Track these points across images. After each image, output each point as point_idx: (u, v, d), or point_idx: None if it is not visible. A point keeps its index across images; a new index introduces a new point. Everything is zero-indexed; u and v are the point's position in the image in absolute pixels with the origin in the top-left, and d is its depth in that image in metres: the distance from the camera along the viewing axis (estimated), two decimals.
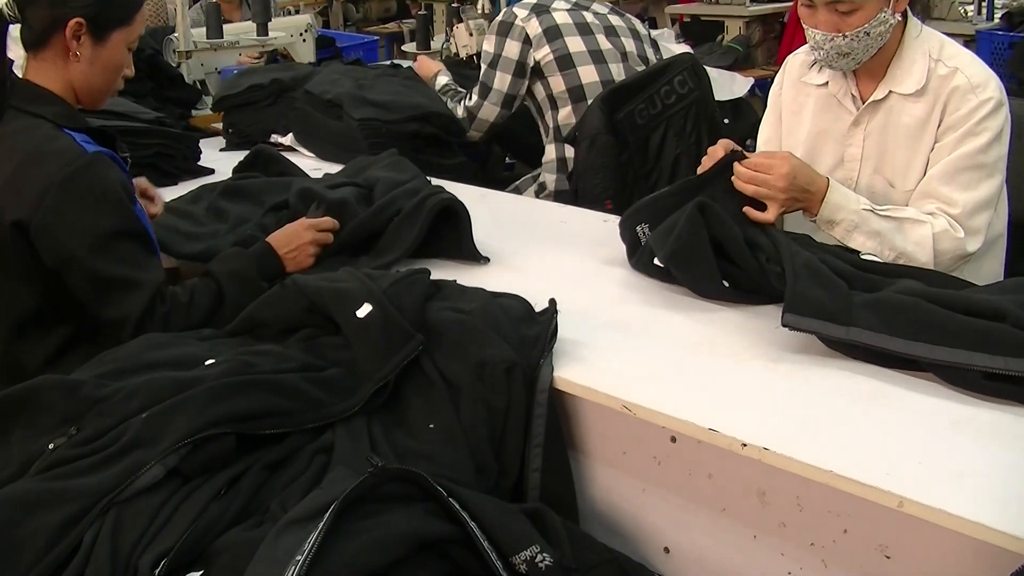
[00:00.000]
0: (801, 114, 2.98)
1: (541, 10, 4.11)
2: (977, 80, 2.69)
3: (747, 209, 2.54)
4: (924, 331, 2.09)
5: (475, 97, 4.24)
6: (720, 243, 2.45)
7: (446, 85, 4.48)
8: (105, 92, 2.70)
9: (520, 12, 4.13)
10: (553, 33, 4.06)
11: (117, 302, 2.50)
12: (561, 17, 4.10)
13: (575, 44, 4.04)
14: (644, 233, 2.64)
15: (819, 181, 2.64)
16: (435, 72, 4.62)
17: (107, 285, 2.50)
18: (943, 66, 2.72)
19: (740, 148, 2.65)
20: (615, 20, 4.24)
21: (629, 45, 4.20)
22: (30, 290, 2.54)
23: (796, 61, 3.03)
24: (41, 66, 2.59)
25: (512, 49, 4.10)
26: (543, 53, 4.04)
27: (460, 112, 4.29)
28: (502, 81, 4.14)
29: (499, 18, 4.21)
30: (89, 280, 2.49)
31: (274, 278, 2.66)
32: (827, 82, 2.90)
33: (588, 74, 4.02)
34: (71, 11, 2.54)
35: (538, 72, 4.09)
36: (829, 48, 2.69)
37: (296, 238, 2.80)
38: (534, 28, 4.06)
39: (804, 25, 2.73)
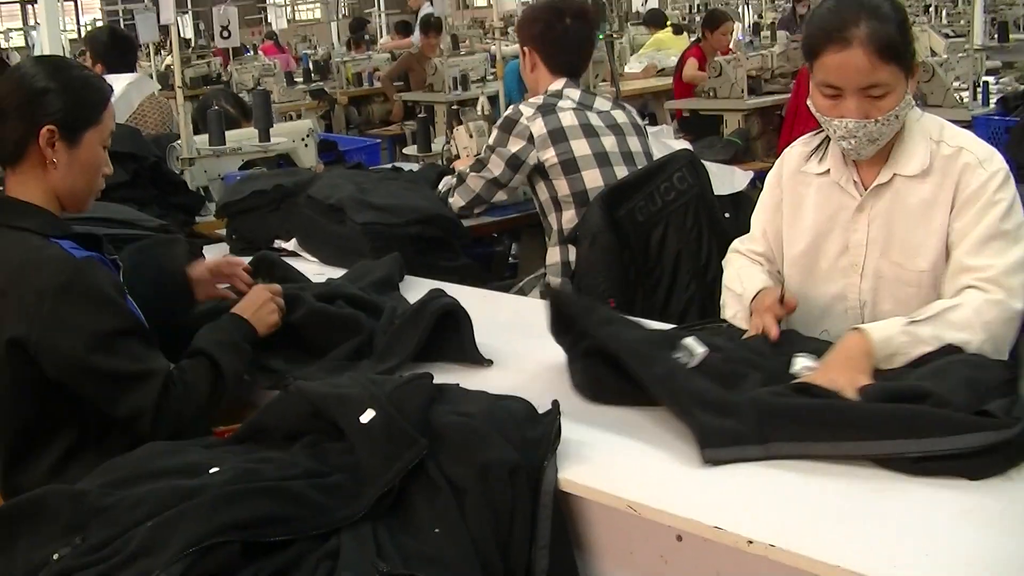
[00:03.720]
0: (803, 205, 2.97)
1: (547, 110, 4.11)
2: (983, 155, 2.70)
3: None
4: (846, 429, 2.14)
5: (469, 167, 4.30)
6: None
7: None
8: (88, 194, 2.73)
9: (526, 111, 4.13)
10: (558, 136, 4.06)
11: (129, 398, 2.53)
12: (567, 119, 4.10)
13: (581, 147, 4.04)
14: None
15: (854, 346, 2.52)
16: None
17: (116, 384, 2.52)
18: (946, 146, 2.73)
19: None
20: (619, 117, 4.24)
21: (634, 144, 4.19)
22: (27, 404, 2.56)
23: (794, 152, 3.03)
24: (21, 179, 2.62)
25: (513, 145, 4.11)
26: (548, 155, 4.04)
27: (452, 180, 4.38)
28: (495, 165, 4.17)
29: (506, 113, 4.22)
30: (97, 382, 2.52)
31: (251, 341, 2.77)
32: (828, 170, 2.89)
33: (593, 178, 4.01)
34: (41, 119, 2.58)
35: (543, 173, 4.09)
36: (862, 136, 2.66)
37: (256, 299, 2.87)
38: (539, 129, 4.07)
39: (824, 116, 2.72)
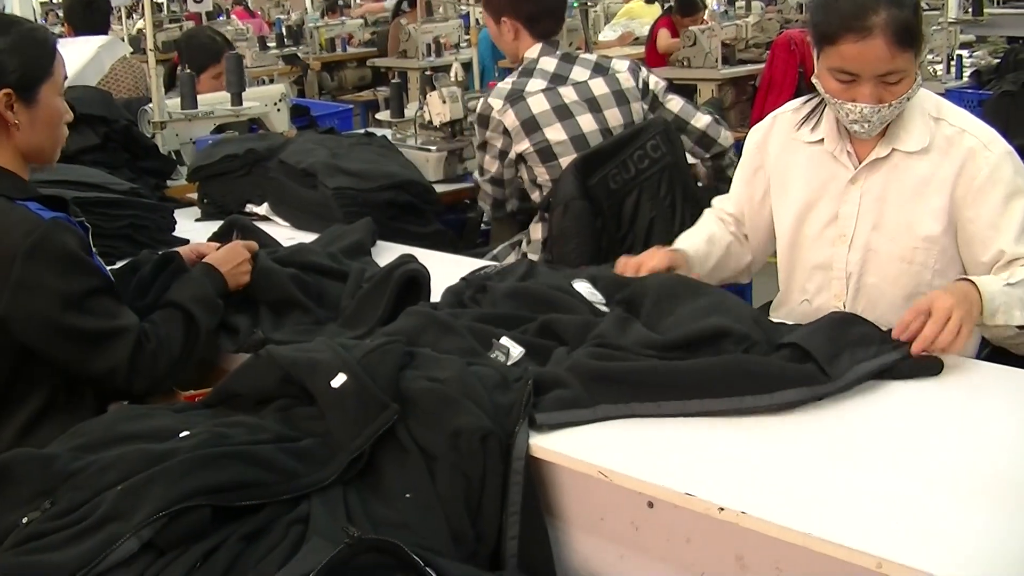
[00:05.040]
0: (791, 172, 2.95)
1: (515, 98, 3.96)
2: (987, 138, 2.69)
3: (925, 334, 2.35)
4: (668, 389, 2.21)
5: (478, 172, 4.26)
6: None
7: None
8: (55, 146, 2.71)
9: (495, 103, 3.98)
10: (531, 125, 3.92)
11: (103, 355, 2.53)
12: (537, 104, 3.94)
13: (555, 133, 3.90)
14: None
15: (960, 286, 2.47)
16: None
17: (90, 341, 2.52)
18: (947, 125, 2.72)
19: None
20: (597, 88, 4.04)
21: (614, 117, 4.00)
22: None
23: (785, 119, 3.00)
24: None
25: (494, 140, 4.01)
26: (524, 146, 3.92)
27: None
28: (491, 164, 4.08)
29: (478, 110, 4.08)
30: (71, 342, 2.51)
31: (222, 296, 2.80)
32: (823, 139, 2.86)
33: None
34: None
35: (523, 161, 4.01)
36: (876, 120, 2.65)
37: (235, 255, 2.91)
38: (511, 121, 3.93)
39: (835, 99, 2.68)
